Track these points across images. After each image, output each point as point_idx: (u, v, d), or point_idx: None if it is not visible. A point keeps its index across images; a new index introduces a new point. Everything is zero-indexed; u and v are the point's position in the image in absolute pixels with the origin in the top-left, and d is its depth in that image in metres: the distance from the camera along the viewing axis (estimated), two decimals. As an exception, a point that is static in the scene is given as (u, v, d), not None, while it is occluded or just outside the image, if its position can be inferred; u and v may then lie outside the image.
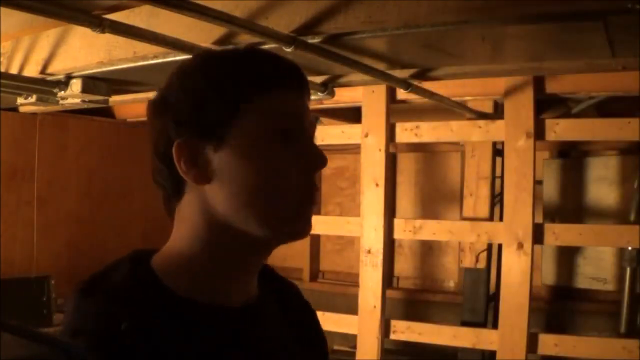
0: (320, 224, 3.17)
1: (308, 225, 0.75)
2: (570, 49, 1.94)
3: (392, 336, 2.81)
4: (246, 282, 0.77)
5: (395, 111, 2.83)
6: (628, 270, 3.43)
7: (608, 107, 2.79)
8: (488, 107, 2.83)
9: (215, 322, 0.72)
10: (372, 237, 2.80)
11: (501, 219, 2.72)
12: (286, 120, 0.72)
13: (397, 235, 2.83)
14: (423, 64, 2.21)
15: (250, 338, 0.75)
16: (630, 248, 3.34)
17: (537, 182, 2.76)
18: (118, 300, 0.68)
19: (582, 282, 3.91)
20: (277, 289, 0.87)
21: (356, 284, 2.91)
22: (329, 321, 2.98)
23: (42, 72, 2.16)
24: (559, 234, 2.54)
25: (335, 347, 4.78)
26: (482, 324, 3.07)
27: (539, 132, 2.52)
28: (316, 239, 5.29)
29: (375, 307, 2.79)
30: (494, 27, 1.68)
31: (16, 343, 0.74)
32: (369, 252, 2.80)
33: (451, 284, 4.77)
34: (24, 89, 2.28)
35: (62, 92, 2.20)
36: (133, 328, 0.65)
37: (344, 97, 2.77)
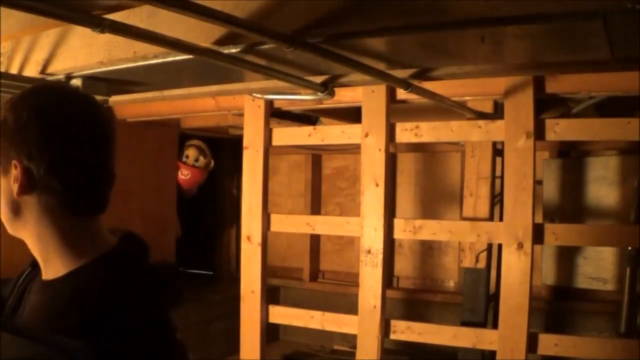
0: (320, 224, 3.17)
1: None
2: (570, 49, 1.94)
3: (392, 336, 2.81)
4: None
5: (395, 111, 2.83)
6: (628, 270, 3.44)
7: (608, 107, 2.79)
8: (488, 107, 2.82)
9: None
10: (372, 237, 2.80)
11: (501, 219, 2.72)
12: None
13: (397, 235, 2.83)
14: (423, 64, 2.21)
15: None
16: (630, 248, 3.34)
17: (537, 182, 2.76)
18: None
19: (582, 282, 3.91)
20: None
21: (356, 284, 2.91)
22: (329, 321, 2.98)
23: (42, 72, 2.16)
24: (559, 234, 2.54)
25: (335, 347, 4.79)
26: (482, 324, 3.07)
27: (539, 132, 2.51)
28: (316, 239, 5.30)
29: (375, 307, 2.79)
30: (494, 27, 1.67)
31: (16, 343, 0.74)
32: (369, 252, 2.80)
33: (451, 284, 4.77)
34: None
35: (62, 92, 2.19)
36: None
37: (344, 97, 2.77)
